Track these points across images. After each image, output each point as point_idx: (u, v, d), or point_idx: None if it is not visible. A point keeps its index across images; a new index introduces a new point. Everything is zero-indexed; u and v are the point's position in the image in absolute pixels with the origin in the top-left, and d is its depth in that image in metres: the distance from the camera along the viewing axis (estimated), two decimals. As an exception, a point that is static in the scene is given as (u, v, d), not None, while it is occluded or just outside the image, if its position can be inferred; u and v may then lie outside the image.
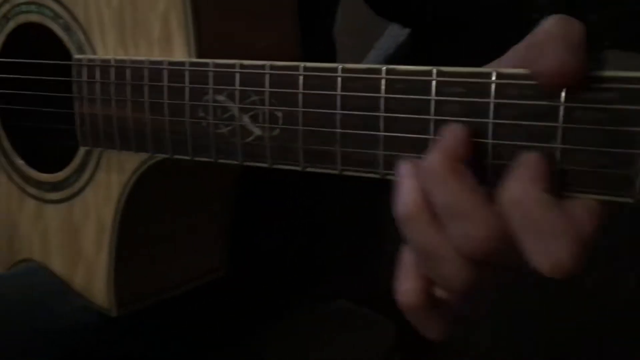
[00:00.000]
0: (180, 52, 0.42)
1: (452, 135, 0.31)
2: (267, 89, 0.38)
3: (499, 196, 0.29)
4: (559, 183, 0.29)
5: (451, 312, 0.32)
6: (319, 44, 0.72)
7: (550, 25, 0.28)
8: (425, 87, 0.33)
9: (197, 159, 0.42)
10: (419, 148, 0.33)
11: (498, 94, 0.31)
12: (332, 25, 0.75)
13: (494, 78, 0.31)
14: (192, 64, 0.41)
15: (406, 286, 0.32)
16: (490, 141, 0.31)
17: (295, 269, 0.64)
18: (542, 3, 0.59)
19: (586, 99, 0.29)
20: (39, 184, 0.52)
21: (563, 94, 0.29)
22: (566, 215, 0.28)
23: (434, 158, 0.30)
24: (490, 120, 0.31)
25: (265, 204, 0.62)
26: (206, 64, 0.40)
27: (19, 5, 0.50)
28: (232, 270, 0.57)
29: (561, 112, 0.30)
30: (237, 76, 0.39)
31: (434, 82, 0.32)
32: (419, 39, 0.66)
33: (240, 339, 0.62)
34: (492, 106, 0.31)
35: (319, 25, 0.71)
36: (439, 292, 0.32)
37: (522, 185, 0.28)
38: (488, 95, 0.31)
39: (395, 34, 0.71)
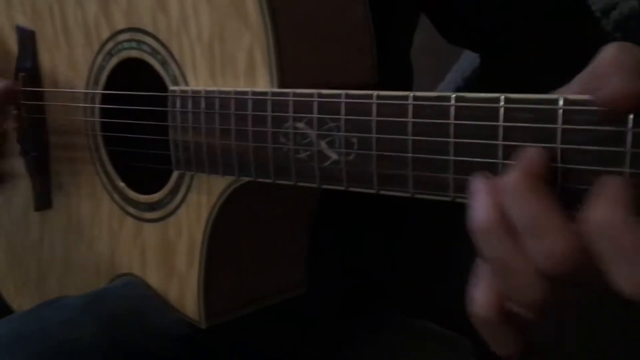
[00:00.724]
0: (263, 82, 0.46)
1: (533, 155, 0.32)
2: (342, 116, 0.40)
3: (582, 218, 0.29)
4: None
5: (525, 328, 0.33)
6: (396, 65, 0.74)
7: (611, 53, 0.29)
8: (493, 114, 0.34)
9: (278, 181, 0.45)
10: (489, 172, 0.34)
11: (566, 121, 0.32)
12: (410, 45, 0.77)
13: (561, 104, 0.32)
14: (274, 93, 0.44)
15: (480, 298, 0.33)
16: (559, 165, 0.32)
17: (374, 287, 0.66)
18: (607, 27, 0.59)
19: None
20: (137, 204, 0.57)
21: (631, 119, 0.30)
22: None
23: (516, 175, 0.31)
24: (559, 146, 0.32)
25: (344, 221, 0.64)
26: (286, 94, 0.43)
27: (121, 42, 0.56)
28: (312, 286, 0.59)
29: (629, 138, 0.30)
30: (315, 104, 0.42)
31: (501, 109, 0.34)
32: (490, 63, 0.67)
33: (320, 355, 0.64)
34: (559, 132, 0.32)
35: (396, 46, 0.73)
36: (513, 307, 0.33)
37: (608, 208, 0.29)
38: (555, 121, 0.32)
39: (471, 56, 0.72)
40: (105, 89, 0.58)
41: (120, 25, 0.55)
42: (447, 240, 0.68)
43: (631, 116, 0.30)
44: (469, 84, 0.73)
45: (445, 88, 0.77)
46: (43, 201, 0.66)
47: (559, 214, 0.30)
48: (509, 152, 0.34)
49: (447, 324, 0.69)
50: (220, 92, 0.47)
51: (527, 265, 0.31)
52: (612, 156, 0.31)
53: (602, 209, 0.29)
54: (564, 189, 0.32)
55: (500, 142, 0.34)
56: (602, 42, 0.31)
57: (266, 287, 0.57)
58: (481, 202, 0.32)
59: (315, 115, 0.42)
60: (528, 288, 0.31)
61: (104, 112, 0.59)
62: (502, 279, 0.32)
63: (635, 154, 0.30)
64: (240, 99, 0.46)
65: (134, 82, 0.56)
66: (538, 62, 0.61)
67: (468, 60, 0.73)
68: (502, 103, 0.34)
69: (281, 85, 0.45)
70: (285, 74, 0.45)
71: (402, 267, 0.67)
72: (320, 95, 0.42)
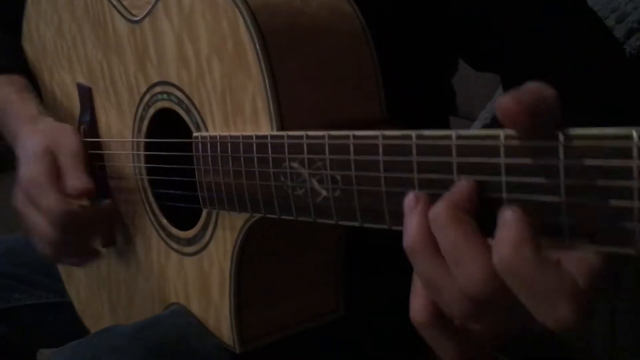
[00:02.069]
0: (265, 127, 0.50)
1: (458, 188, 0.34)
2: (327, 155, 0.44)
3: (493, 251, 0.31)
4: (555, 233, 0.31)
5: (462, 335, 0.34)
6: (438, 92, 0.76)
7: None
8: (447, 149, 0.35)
9: (283, 217, 0.49)
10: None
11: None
12: (453, 74, 0.78)
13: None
14: (272, 136, 0.48)
15: (415, 305, 0.36)
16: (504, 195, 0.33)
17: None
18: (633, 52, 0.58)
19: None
20: (178, 240, 0.63)
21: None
22: (560, 273, 0.29)
23: (440, 205, 0.34)
24: (503, 179, 0.33)
25: (378, 244, 0.66)
26: (281, 137, 0.47)
27: (155, 94, 0.62)
28: (349, 310, 0.62)
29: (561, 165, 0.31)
30: (305, 146, 0.45)
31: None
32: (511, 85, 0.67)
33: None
34: (503, 167, 0.33)
35: (438, 74, 0.75)
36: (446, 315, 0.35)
37: (509, 247, 0.30)
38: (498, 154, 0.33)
39: (500, 93, 0.73)
40: (147, 137, 0.64)
41: (154, 79, 0.61)
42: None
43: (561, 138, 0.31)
44: (495, 120, 0.73)
45: (476, 125, 0.78)
46: (108, 239, 0.74)
47: (479, 243, 0.32)
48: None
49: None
50: (232, 137, 0.52)
51: (452, 284, 0.33)
52: (547, 185, 0.31)
53: (503, 248, 0.30)
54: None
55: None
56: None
57: (299, 314, 0.61)
58: (412, 222, 0.35)
59: (305, 155, 0.45)
60: (454, 303, 0.33)
61: (148, 158, 0.65)
62: (430, 291, 0.35)
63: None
64: (247, 143, 0.50)
65: (171, 129, 0.62)
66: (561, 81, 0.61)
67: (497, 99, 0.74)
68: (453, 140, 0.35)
69: (280, 129, 0.49)
70: (284, 119, 0.49)
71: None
72: (307, 137, 0.45)
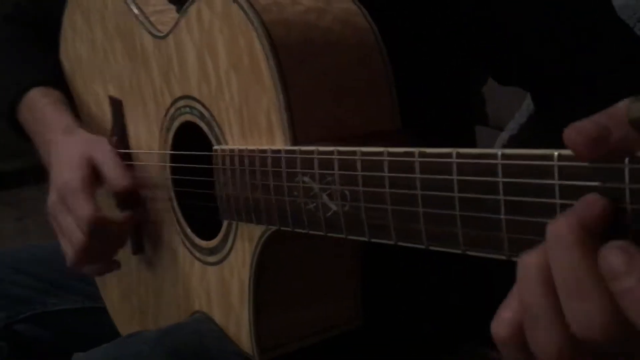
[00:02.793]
0: (279, 141, 0.51)
1: (587, 204, 0.28)
2: (336, 171, 0.44)
3: (620, 288, 0.26)
4: None
5: None
6: (462, 101, 0.76)
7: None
8: (547, 170, 0.31)
9: (296, 230, 0.49)
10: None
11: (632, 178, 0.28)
12: (483, 83, 0.78)
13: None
14: (285, 151, 0.49)
15: (503, 315, 0.31)
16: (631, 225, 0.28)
17: (430, 318, 0.67)
18: None
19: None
20: (201, 250, 0.64)
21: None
22: None
23: (562, 222, 0.28)
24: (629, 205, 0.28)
25: (397, 255, 0.66)
26: (294, 151, 0.48)
27: (179, 108, 0.63)
28: (368, 319, 0.62)
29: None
30: (316, 161, 0.46)
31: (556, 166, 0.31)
32: (541, 101, 0.66)
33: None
34: (628, 192, 0.28)
35: (462, 84, 0.75)
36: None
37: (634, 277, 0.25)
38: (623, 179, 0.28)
39: (528, 103, 0.72)
40: (172, 149, 0.66)
41: (178, 93, 0.63)
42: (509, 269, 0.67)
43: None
44: (524, 132, 0.73)
45: (503, 136, 0.77)
46: (138, 246, 0.76)
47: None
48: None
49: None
50: (248, 150, 0.53)
51: (555, 319, 0.28)
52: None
53: (628, 279, 0.25)
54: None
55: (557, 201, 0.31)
56: None
57: (318, 323, 0.61)
58: (529, 252, 0.30)
59: (316, 170, 0.46)
60: (548, 343, 0.28)
61: (174, 170, 0.67)
62: (525, 317, 0.30)
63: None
64: (262, 157, 0.51)
65: (195, 141, 0.64)
66: (592, 93, 0.60)
67: (526, 109, 0.73)
68: (555, 160, 0.30)
69: (294, 142, 0.50)
70: (297, 132, 0.50)
71: (459, 297, 0.68)
72: (318, 152, 0.46)
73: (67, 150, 0.70)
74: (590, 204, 0.28)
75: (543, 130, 0.70)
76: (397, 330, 0.67)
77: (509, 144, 0.78)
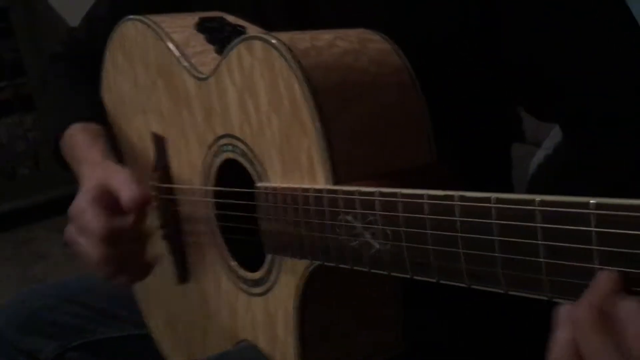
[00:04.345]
0: (321, 180, 0.53)
1: (603, 282, 0.32)
2: (378, 212, 0.46)
3: None
4: None
5: None
6: (498, 123, 0.77)
7: None
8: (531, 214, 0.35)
9: (339, 265, 0.52)
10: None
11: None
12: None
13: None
14: (327, 191, 0.51)
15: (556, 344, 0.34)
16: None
17: (470, 345, 0.68)
18: None
19: None
20: (246, 281, 0.67)
21: None
22: None
23: (582, 307, 0.32)
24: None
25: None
26: (336, 191, 0.50)
27: (222, 146, 0.66)
28: (410, 344, 0.64)
29: None
30: (357, 201, 0.48)
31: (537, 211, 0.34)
32: (571, 136, 0.68)
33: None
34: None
35: (498, 109, 0.76)
36: None
37: None
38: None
39: (555, 132, 0.73)
40: (215, 185, 0.69)
41: (220, 131, 0.66)
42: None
43: None
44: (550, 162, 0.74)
45: (538, 155, 0.78)
46: (183, 276, 0.79)
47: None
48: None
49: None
50: (291, 189, 0.55)
51: None
52: None
53: None
54: None
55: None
56: None
57: (362, 350, 0.63)
58: (559, 334, 0.34)
59: (359, 210, 0.48)
60: None
61: (217, 204, 0.69)
62: None
63: None
64: (304, 195, 0.53)
65: (238, 177, 0.66)
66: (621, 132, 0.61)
67: (551, 138, 0.75)
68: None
69: (336, 182, 0.52)
70: (338, 171, 0.52)
71: (500, 326, 0.69)
72: (359, 193, 0.48)
73: (89, 181, 0.71)
74: (602, 283, 0.32)
75: (571, 158, 0.71)
76: (440, 356, 0.68)
77: (545, 161, 0.79)
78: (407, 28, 0.63)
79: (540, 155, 0.81)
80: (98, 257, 0.66)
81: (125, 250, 0.67)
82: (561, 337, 0.34)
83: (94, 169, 0.73)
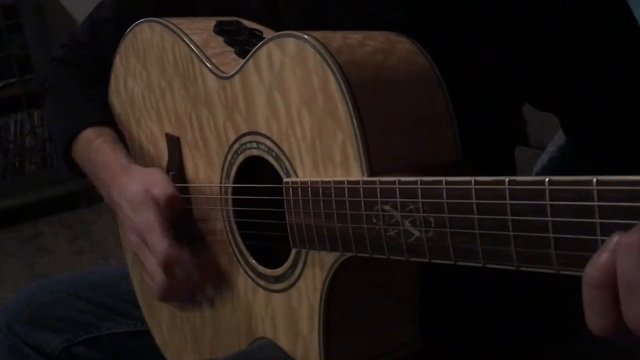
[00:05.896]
0: (355, 172, 0.54)
1: None
2: (420, 199, 0.48)
3: None
4: None
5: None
6: (500, 126, 0.79)
7: None
8: (587, 194, 0.37)
9: (374, 256, 0.53)
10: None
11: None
12: (523, 104, 0.82)
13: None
14: (364, 182, 0.52)
15: (598, 260, 0.36)
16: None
17: (487, 341, 0.70)
18: None
19: None
20: (266, 278, 0.67)
21: None
22: None
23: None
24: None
25: (452, 275, 0.69)
26: (374, 182, 0.51)
27: (245, 143, 0.67)
28: (426, 343, 0.65)
29: None
30: (397, 190, 0.49)
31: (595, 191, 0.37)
32: (571, 129, 0.70)
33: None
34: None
35: (500, 111, 0.79)
36: None
37: None
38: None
39: (560, 135, 0.76)
40: (235, 182, 0.70)
41: (243, 129, 0.67)
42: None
43: None
44: (562, 153, 0.77)
45: (542, 158, 0.81)
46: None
47: None
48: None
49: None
50: (323, 182, 0.56)
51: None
52: None
53: None
54: None
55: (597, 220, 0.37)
56: None
57: (381, 346, 0.64)
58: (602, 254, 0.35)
59: (398, 199, 0.49)
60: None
61: (235, 202, 0.70)
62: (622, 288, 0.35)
63: None
64: (338, 188, 0.55)
65: (258, 174, 0.67)
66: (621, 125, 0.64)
67: (556, 140, 0.78)
68: (594, 185, 0.36)
69: (370, 174, 0.53)
70: (373, 164, 0.53)
71: (514, 321, 0.71)
72: (400, 183, 0.49)
73: (131, 189, 0.73)
74: None
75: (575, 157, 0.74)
76: (455, 354, 0.70)
77: (549, 164, 0.82)
78: (418, 30, 0.65)
79: (544, 158, 0.84)
80: (157, 280, 0.70)
81: (181, 282, 0.71)
82: (601, 261, 0.35)
83: (127, 176, 0.75)
